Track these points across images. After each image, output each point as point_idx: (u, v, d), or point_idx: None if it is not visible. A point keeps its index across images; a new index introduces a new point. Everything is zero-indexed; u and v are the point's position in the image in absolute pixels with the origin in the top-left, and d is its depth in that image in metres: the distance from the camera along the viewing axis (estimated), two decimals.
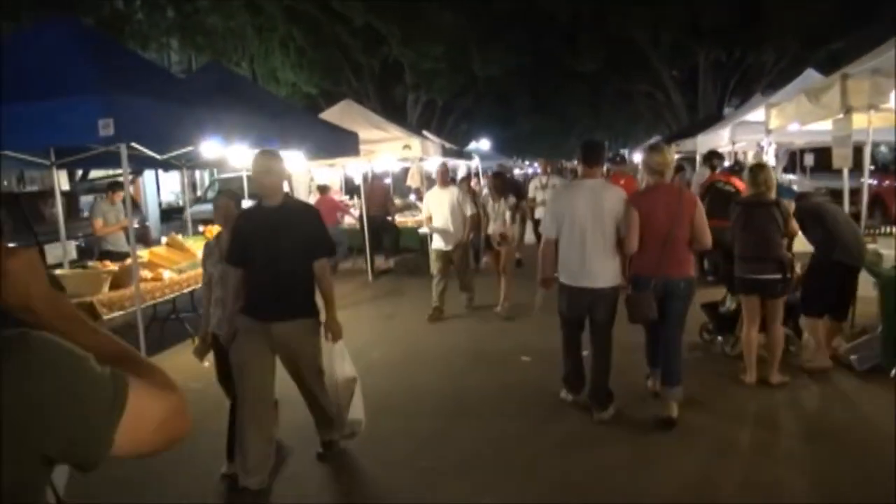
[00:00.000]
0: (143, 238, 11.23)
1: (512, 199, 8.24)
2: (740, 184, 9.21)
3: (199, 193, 22.24)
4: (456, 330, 7.69)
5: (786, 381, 5.18)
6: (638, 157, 24.61)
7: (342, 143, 10.02)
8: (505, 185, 8.59)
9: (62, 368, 0.90)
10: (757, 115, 10.64)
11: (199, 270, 7.51)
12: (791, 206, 5.38)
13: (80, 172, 13.01)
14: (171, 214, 21.06)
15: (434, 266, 8.33)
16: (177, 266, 7.12)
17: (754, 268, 5.11)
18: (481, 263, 9.88)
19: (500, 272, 8.32)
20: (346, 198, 15.25)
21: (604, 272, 4.61)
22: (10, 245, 1.07)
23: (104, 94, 5.26)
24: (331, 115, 11.95)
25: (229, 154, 7.19)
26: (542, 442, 4.56)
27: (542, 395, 5.37)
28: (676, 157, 15.74)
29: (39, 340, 0.90)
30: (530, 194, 10.99)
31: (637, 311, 4.57)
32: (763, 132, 10.44)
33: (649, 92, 28.02)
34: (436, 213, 8.29)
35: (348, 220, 12.16)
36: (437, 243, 8.32)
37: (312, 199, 13.64)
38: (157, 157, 7.98)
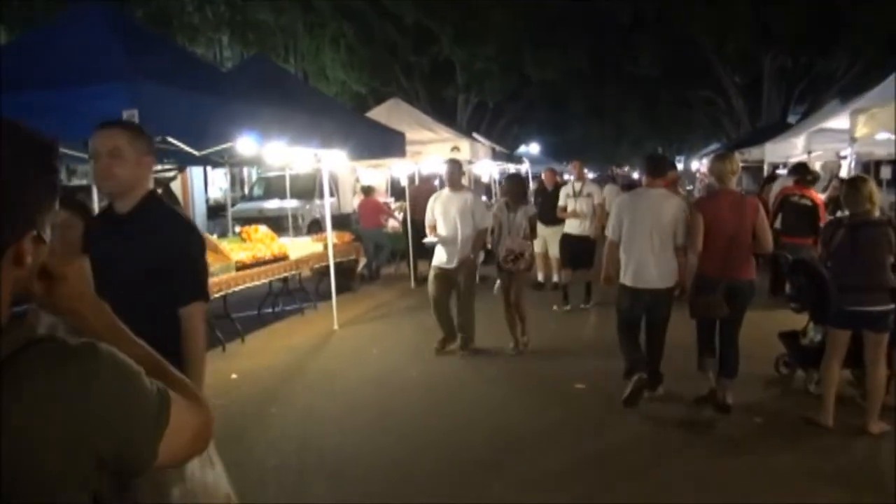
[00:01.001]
0: None
1: (532, 209, 6.87)
2: (817, 197, 8.43)
3: (246, 191, 22.18)
4: (500, 349, 6.96)
5: (887, 429, 4.44)
6: (696, 165, 23.69)
7: (388, 143, 9.57)
8: (523, 190, 7.18)
9: (123, 380, 0.94)
10: (837, 122, 9.79)
11: (233, 274, 7.17)
12: None
13: None
14: (218, 212, 20.95)
15: (430, 287, 6.83)
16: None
17: (862, 299, 4.34)
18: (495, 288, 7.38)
19: (511, 304, 6.75)
20: (391, 200, 14.82)
21: (663, 274, 5.02)
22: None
23: (130, 83, 4.88)
24: (378, 113, 11.54)
25: (266, 152, 6.76)
26: (603, 482, 3.96)
27: (601, 427, 4.77)
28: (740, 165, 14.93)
29: (107, 351, 0.94)
30: (560, 202, 9.13)
31: (706, 310, 4.89)
32: (843, 141, 9.61)
33: (709, 98, 26.93)
34: (441, 221, 6.74)
35: (392, 224, 11.69)
36: (439, 258, 6.76)
37: (357, 201, 13.28)
38: (195, 152, 7.60)
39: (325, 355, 7.01)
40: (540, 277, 10.08)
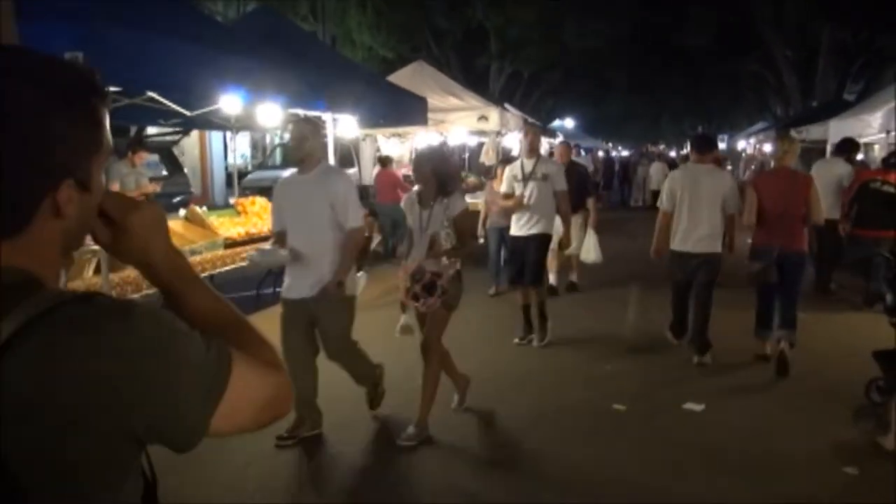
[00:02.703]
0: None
1: (459, 204, 4.18)
2: None
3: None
4: (515, 361, 5.86)
5: None
6: (741, 145, 22.32)
7: (407, 109, 8.60)
8: (446, 173, 4.25)
9: (160, 349, 0.83)
10: None
11: (220, 252, 6.30)
12: None
13: (133, 129, 11.98)
14: (238, 180, 20.14)
15: (283, 341, 4.01)
16: (191, 246, 5.87)
17: None
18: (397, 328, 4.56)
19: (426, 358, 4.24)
20: None
21: (710, 241, 5.48)
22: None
23: (75, 21, 3.98)
24: (400, 77, 10.56)
25: (259, 113, 5.85)
26: None
27: (652, 465, 3.81)
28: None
29: (144, 314, 0.83)
30: (503, 188, 6.27)
31: (760, 277, 5.35)
32: None
33: (757, 72, 25.31)
34: (291, 224, 4.13)
35: None
36: (287, 285, 4.20)
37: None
38: (186, 112, 6.69)
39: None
40: (552, 280, 7.97)
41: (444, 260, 4.05)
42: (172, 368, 0.83)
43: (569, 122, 33.98)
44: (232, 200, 7.23)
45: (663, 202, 5.72)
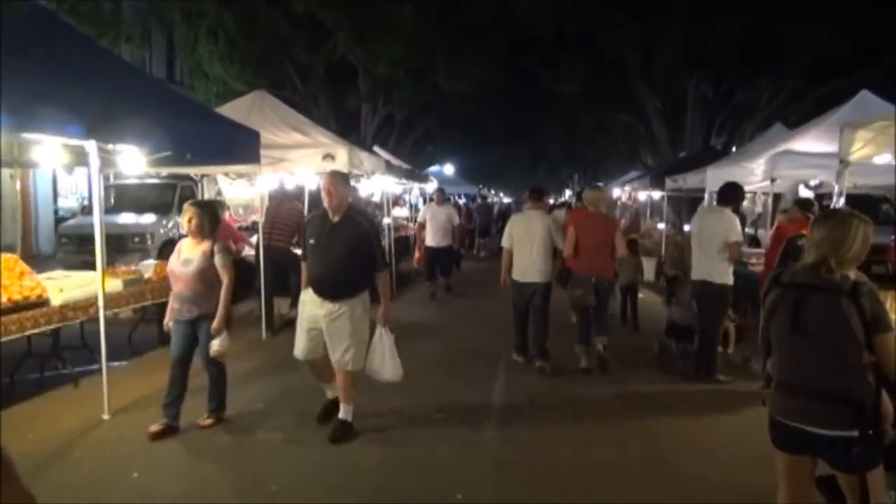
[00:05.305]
0: None
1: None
2: None
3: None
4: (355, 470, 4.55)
5: None
6: (616, 193, 22.21)
7: (231, 145, 7.00)
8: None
9: None
10: (805, 143, 7.93)
11: None
12: None
13: None
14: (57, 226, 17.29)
15: None
16: None
17: (805, 409, 2.72)
18: None
19: None
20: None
21: (542, 271, 6.71)
22: None
23: None
24: (235, 107, 8.96)
25: None
26: None
27: None
28: (663, 193, 13.59)
29: None
30: None
31: (581, 301, 6.68)
32: (812, 166, 7.76)
33: (629, 123, 25.60)
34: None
35: (248, 252, 8.93)
36: None
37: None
38: None
39: (46, 482, 4.09)
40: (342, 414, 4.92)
41: None
42: None
43: (448, 168, 33.30)
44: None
45: (504, 241, 6.94)
